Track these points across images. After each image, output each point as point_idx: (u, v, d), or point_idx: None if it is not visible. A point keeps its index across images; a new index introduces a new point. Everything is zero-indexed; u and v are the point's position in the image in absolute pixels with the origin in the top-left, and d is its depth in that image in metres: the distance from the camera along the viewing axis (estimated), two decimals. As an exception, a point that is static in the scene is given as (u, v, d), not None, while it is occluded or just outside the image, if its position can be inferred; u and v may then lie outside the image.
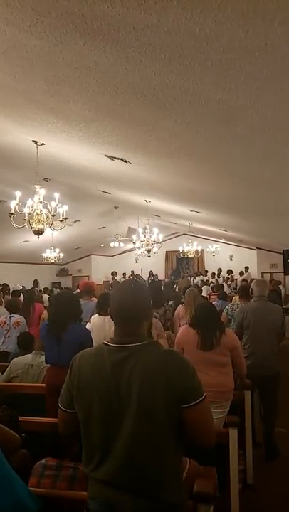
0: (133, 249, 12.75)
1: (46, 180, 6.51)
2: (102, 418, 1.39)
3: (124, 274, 16.42)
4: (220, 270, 15.57)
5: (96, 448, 1.40)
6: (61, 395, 1.54)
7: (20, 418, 2.28)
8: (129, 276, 16.25)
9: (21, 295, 7.12)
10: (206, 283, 14.01)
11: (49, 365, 3.27)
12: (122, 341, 1.43)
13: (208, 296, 9.61)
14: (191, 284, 13.06)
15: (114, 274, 16.19)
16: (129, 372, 1.37)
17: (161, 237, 10.17)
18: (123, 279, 15.13)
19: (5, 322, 4.94)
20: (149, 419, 1.34)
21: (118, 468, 1.36)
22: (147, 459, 1.35)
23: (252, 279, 11.83)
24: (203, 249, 15.64)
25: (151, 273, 16.18)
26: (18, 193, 5.04)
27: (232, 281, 14.53)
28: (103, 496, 1.39)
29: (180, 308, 5.02)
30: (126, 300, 1.46)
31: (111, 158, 4.75)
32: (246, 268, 14.77)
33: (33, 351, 3.74)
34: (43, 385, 3.25)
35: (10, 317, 4.98)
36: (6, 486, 1.52)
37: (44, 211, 5.04)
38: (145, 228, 9.63)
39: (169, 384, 1.34)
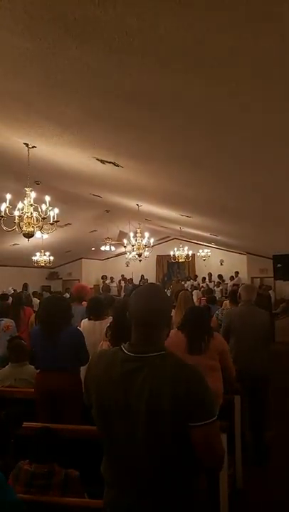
0: (124, 253, 12.74)
1: (37, 183, 6.48)
2: (114, 424, 1.37)
3: (112, 278, 16.36)
4: (210, 275, 15.63)
5: (110, 453, 1.41)
6: (84, 394, 1.55)
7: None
8: (119, 281, 16.23)
9: (9, 298, 7.03)
10: (196, 287, 14.04)
11: (38, 370, 3.23)
12: (138, 350, 1.37)
13: (198, 301, 9.63)
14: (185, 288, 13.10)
15: (104, 277, 16.14)
16: (140, 383, 1.32)
17: (152, 241, 10.18)
18: (111, 283, 15.10)
19: (-6, 326, 4.88)
20: (157, 432, 1.30)
21: (132, 479, 1.35)
22: (156, 469, 1.32)
23: (242, 284, 11.90)
24: (194, 254, 15.69)
25: (142, 277, 16.17)
26: (8, 196, 4.99)
27: (223, 286, 14.59)
28: (116, 503, 1.38)
29: (172, 312, 5.02)
30: (147, 305, 1.39)
31: (102, 161, 4.75)
32: (236, 273, 14.85)
33: (14, 364, 3.61)
34: (32, 390, 3.22)
35: (0, 321, 4.92)
36: None
37: (35, 214, 5.01)
38: (136, 232, 9.63)
39: (177, 398, 1.28)
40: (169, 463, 1.33)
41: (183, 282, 14.92)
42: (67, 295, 8.42)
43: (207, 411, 1.32)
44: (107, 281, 15.55)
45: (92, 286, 14.74)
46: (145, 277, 16.10)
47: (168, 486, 1.34)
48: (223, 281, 15.00)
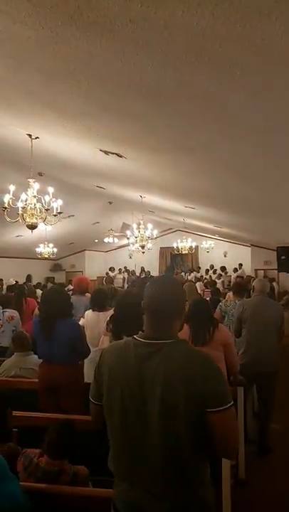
0: (127, 245, 12.73)
1: (40, 174, 6.46)
2: (126, 413, 1.37)
3: (120, 269, 16.35)
4: (212, 266, 15.61)
5: (120, 445, 1.40)
6: (91, 387, 1.54)
7: (14, 413, 2.27)
8: (122, 272, 16.25)
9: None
10: (199, 279, 14.04)
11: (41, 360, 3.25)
12: (151, 337, 1.40)
13: (202, 293, 9.63)
14: (186, 280, 13.09)
15: (112, 269, 16.09)
16: (154, 368, 1.33)
17: (155, 233, 10.16)
18: (115, 274, 15.10)
19: (-2, 317, 4.90)
20: (171, 418, 1.30)
21: (141, 468, 1.34)
22: (169, 459, 1.32)
23: (247, 276, 11.89)
24: (198, 246, 15.65)
25: (142, 269, 16.16)
26: (11, 187, 4.99)
27: (225, 278, 14.57)
28: (130, 498, 1.37)
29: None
30: (159, 295, 1.43)
31: (106, 152, 4.72)
32: (240, 265, 14.81)
33: (19, 353, 3.63)
34: (35, 380, 3.24)
35: (3, 312, 4.94)
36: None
37: (38, 205, 5.00)
38: (139, 224, 9.61)
39: (192, 385, 1.30)
40: (182, 451, 1.32)
41: (187, 274, 14.93)
42: (70, 287, 8.45)
43: (223, 397, 1.32)
44: (115, 273, 15.54)
45: (95, 278, 14.78)
46: (147, 270, 16.10)
47: (179, 476, 1.33)
48: (226, 273, 14.97)
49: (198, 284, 12.00)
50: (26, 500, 1.63)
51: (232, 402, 1.34)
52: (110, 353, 1.47)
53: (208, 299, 5.92)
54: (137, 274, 15.81)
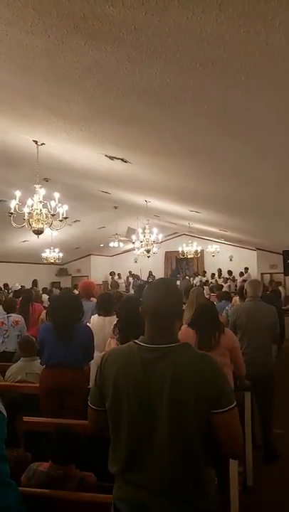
0: (132, 250, 12.73)
1: (46, 180, 6.50)
2: (133, 417, 1.37)
3: (119, 274, 16.33)
4: (220, 271, 15.54)
5: (125, 447, 1.39)
6: (91, 393, 1.54)
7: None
8: (127, 277, 16.25)
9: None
10: (205, 283, 13.99)
11: (44, 366, 3.25)
12: (154, 341, 1.41)
13: (208, 297, 9.59)
14: (192, 284, 13.05)
15: (112, 274, 16.14)
16: (161, 373, 1.35)
17: (160, 237, 10.15)
18: (118, 280, 15.10)
19: (3, 322, 4.92)
20: (179, 420, 1.32)
21: (149, 469, 1.35)
22: (176, 460, 1.33)
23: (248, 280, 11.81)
24: (203, 250, 15.61)
25: (150, 273, 16.16)
26: (18, 193, 5.03)
27: (233, 282, 14.50)
28: (133, 498, 1.37)
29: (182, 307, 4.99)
30: (160, 300, 1.43)
31: (111, 158, 4.74)
32: (246, 269, 14.74)
33: (25, 358, 3.64)
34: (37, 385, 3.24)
35: (8, 317, 4.96)
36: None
37: (44, 211, 5.03)
38: (145, 228, 9.62)
39: (199, 387, 1.32)
40: (189, 454, 1.33)
41: (191, 278, 14.89)
42: (76, 291, 8.47)
43: (227, 398, 1.36)
44: (115, 278, 15.56)
45: (100, 283, 14.80)
46: (153, 273, 16.09)
47: (187, 476, 1.34)
48: (233, 277, 14.90)
49: (205, 289, 11.98)
50: (23, 508, 1.61)
51: (235, 403, 1.37)
52: (114, 358, 1.47)
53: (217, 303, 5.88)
54: (143, 278, 15.79)
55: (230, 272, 15.16)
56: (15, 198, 4.99)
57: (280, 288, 12.07)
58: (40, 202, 5.03)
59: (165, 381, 1.33)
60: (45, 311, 5.49)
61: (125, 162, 4.84)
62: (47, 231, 5.50)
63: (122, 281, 15.41)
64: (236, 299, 5.45)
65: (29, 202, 5.04)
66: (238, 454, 1.45)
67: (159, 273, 16.67)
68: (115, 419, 1.42)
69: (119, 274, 16.24)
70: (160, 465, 1.34)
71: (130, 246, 12.92)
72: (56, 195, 5.13)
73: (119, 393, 1.40)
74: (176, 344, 1.40)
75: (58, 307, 3.29)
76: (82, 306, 3.35)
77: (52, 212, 5.05)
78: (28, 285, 11.44)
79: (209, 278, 15.33)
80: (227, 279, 14.74)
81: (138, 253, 11.07)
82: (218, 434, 1.34)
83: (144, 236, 9.50)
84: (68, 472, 1.92)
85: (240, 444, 1.43)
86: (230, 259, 16.15)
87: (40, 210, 5.01)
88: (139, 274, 16.19)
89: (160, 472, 1.34)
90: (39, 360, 3.51)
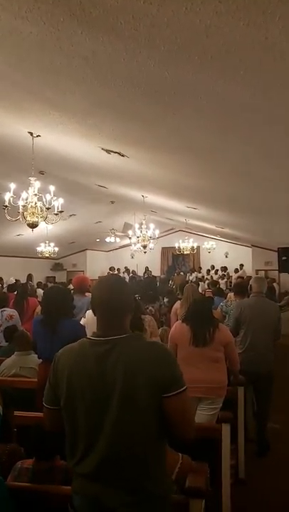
0: (129, 245, 12.73)
1: (42, 173, 6.45)
2: (87, 410, 1.40)
3: (118, 269, 16.33)
4: (213, 267, 15.60)
5: (80, 441, 1.41)
6: (45, 392, 1.54)
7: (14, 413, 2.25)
8: (123, 272, 16.23)
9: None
10: (201, 279, 14.01)
11: (41, 360, 3.24)
12: (105, 334, 1.45)
13: (203, 293, 9.62)
14: (187, 280, 13.08)
15: (112, 269, 16.09)
16: (112, 363, 1.38)
17: (157, 232, 10.15)
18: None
19: (-4, 317, 4.89)
20: (131, 408, 1.36)
21: (101, 460, 1.36)
22: (130, 449, 1.36)
23: (247, 277, 11.89)
24: (199, 246, 15.64)
25: (146, 269, 16.17)
26: (12, 186, 4.98)
27: (228, 278, 14.56)
28: (87, 491, 1.40)
29: (177, 304, 5.00)
30: (107, 293, 1.49)
31: (108, 151, 4.71)
32: (241, 265, 14.80)
33: (19, 352, 3.62)
34: (35, 380, 3.23)
35: (2, 311, 4.93)
36: None
37: (39, 204, 4.99)
38: (141, 224, 9.60)
39: (151, 373, 1.37)
40: (141, 441, 1.36)
41: (188, 274, 14.92)
42: (71, 286, 8.44)
43: (178, 381, 1.41)
44: (115, 273, 15.53)
45: (96, 278, 14.74)
46: (149, 269, 16.08)
47: (142, 465, 1.37)
48: (228, 273, 14.96)
49: (200, 285, 12.01)
50: (10, 504, 1.60)
51: (185, 387, 1.41)
52: (66, 356, 1.49)
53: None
54: (139, 274, 15.79)
55: (224, 268, 15.21)
56: (9, 191, 4.94)
57: (275, 285, 12.13)
58: (35, 195, 4.99)
59: (117, 371, 1.37)
60: (39, 305, 5.47)
61: (122, 156, 4.80)
62: (42, 225, 5.45)
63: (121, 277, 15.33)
64: (231, 295, 5.46)
65: (24, 195, 4.99)
66: (190, 437, 1.46)
67: (156, 269, 16.68)
68: (70, 416, 1.43)
69: (118, 269, 16.21)
70: (112, 454, 1.36)
71: (127, 241, 12.90)
72: (51, 188, 5.09)
73: (73, 390, 1.42)
74: (126, 335, 1.44)
75: (47, 301, 3.27)
76: (72, 300, 3.31)
77: (47, 206, 5.01)
78: (23, 279, 11.40)
79: (205, 274, 15.36)
80: (223, 275, 14.80)
81: (134, 249, 11.07)
82: (169, 418, 1.39)
83: (141, 231, 9.49)
84: (54, 465, 1.91)
85: (190, 427, 1.46)
86: (226, 256, 16.21)
87: (35, 204, 4.96)
88: (136, 270, 16.18)
89: (112, 462, 1.36)
90: (35, 355, 3.50)
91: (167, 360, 1.43)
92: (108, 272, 15.22)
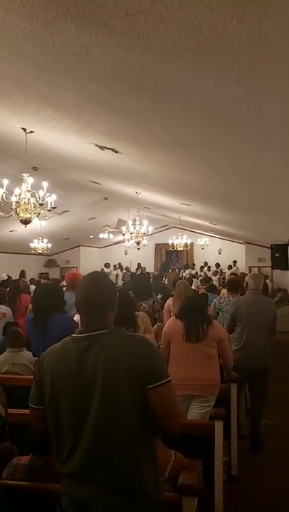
0: (123, 241, 12.70)
1: (35, 169, 6.41)
2: (70, 409, 1.38)
3: (115, 265, 16.31)
4: (206, 263, 15.64)
5: (65, 441, 1.39)
6: (31, 392, 1.52)
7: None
8: (115, 268, 16.22)
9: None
10: (194, 276, 14.04)
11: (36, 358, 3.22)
12: (87, 330, 1.44)
13: (197, 289, 9.64)
14: (181, 276, 13.10)
15: (107, 265, 16.06)
16: (93, 358, 1.37)
17: (150, 229, 10.13)
18: (110, 270, 15.08)
19: (-10, 314, 4.86)
20: (114, 403, 1.33)
21: (86, 459, 1.34)
22: (114, 446, 1.33)
23: (241, 273, 11.94)
24: (193, 243, 15.66)
25: (139, 265, 16.16)
26: (5, 181, 4.94)
27: (220, 275, 14.60)
28: (73, 492, 1.37)
29: (170, 301, 5.00)
30: (90, 290, 1.49)
31: (101, 148, 4.69)
32: (234, 262, 14.85)
33: (11, 349, 3.61)
34: (31, 377, 3.21)
35: (-4, 309, 4.90)
36: None
37: (32, 200, 4.96)
38: (135, 220, 9.59)
39: (132, 365, 1.35)
40: (125, 437, 1.34)
41: (182, 271, 14.96)
42: (64, 283, 8.42)
43: (160, 373, 1.39)
44: (110, 269, 15.50)
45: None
46: (142, 266, 16.08)
47: (130, 464, 1.34)
48: (221, 270, 15.01)
49: (193, 281, 12.04)
50: (4, 503, 1.60)
51: (169, 378, 1.39)
52: (50, 355, 1.48)
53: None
54: (132, 270, 15.79)
55: (217, 265, 15.27)
56: (2, 187, 4.89)
57: (268, 281, 12.19)
58: (28, 191, 4.95)
59: (98, 365, 1.36)
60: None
61: (116, 152, 4.78)
62: (35, 221, 5.42)
63: (114, 273, 15.35)
64: (224, 291, 5.47)
65: (17, 191, 4.95)
66: (176, 429, 1.43)
67: (150, 265, 16.68)
68: (54, 415, 1.41)
69: (115, 266, 16.18)
70: (97, 453, 1.34)
71: (120, 238, 12.88)
72: (45, 184, 5.06)
73: (56, 388, 1.40)
74: (106, 330, 1.43)
75: (38, 297, 3.26)
76: (62, 296, 3.30)
77: (40, 202, 4.98)
78: (16, 276, 11.33)
79: (198, 270, 15.40)
80: (216, 271, 14.85)
81: (128, 245, 11.04)
82: (154, 410, 1.36)
83: (135, 228, 9.47)
84: (50, 461, 1.91)
85: (177, 420, 1.44)
86: (219, 253, 16.25)
87: (28, 200, 4.93)
88: (129, 266, 16.17)
89: (98, 461, 1.34)
90: (28, 352, 3.49)
91: (148, 351, 1.40)
92: (102, 269, 15.21)
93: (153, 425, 1.39)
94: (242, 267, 14.45)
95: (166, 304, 5.14)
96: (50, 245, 11.49)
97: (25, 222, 4.98)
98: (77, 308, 1.51)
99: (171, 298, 5.07)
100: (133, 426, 1.34)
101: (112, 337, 1.42)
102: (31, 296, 6.54)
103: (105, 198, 10.56)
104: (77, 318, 4.04)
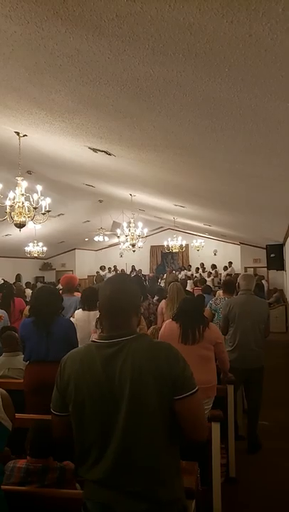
0: (118, 244, 12.70)
1: (29, 172, 6.40)
2: (96, 416, 1.35)
3: (109, 268, 16.31)
4: (202, 265, 15.65)
5: (91, 448, 1.37)
6: (53, 399, 1.50)
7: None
8: (110, 270, 16.21)
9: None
10: (189, 277, 14.05)
11: (27, 362, 3.20)
12: (111, 336, 1.41)
13: (192, 291, 9.64)
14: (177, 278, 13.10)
15: (103, 268, 16.05)
16: (120, 366, 1.34)
17: (145, 231, 10.13)
18: (105, 273, 15.06)
19: (-15, 318, 4.84)
20: (141, 411, 1.31)
21: (112, 467, 1.32)
22: (142, 453, 1.32)
23: (236, 274, 11.96)
24: (188, 244, 15.68)
25: (133, 267, 16.16)
26: (-1, 185, 4.92)
27: (216, 276, 14.62)
28: (99, 497, 1.36)
29: (163, 303, 4.98)
30: (115, 293, 1.45)
31: (94, 150, 4.68)
32: (230, 263, 14.88)
33: (7, 353, 3.59)
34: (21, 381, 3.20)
35: (-8, 313, 4.89)
36: None
37: (26, 204, 4.95)
38: (130, 222, 9.58)
39: (160, 375, 1.33)
40: (152, 445, 1.32)
41: (177, 272, 14.96)
42: (60, 286, 8.39)
43: (188, 383, 1.36)
44: (105, 272, 15.49)
45: (86, 277, 14.69)
46: (138, 268, 16.08)
47: (156, 471, 1.33)
48: (216, 271, 15.02)
49: (188, 282, 12.04)
50: (4, 506, 1.58)
51: (197, 387, 1.37)
52: (72, 361, 1.45)
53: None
54: (127, 272, 15.79)
55: (213, 266, 15.29)
56: (-4, 191, 4.88)
57: (263, 282, 12.23)
58: (22, 195, 4.94)
59: (125, 374, 1.33)
60: (28, 306, 5.42)
61: (109, 155, 4.78)
62: (30, 225, 5.41)
63: (110, 276, 15.31)
64: (220, 292, 5.48)
65: (11, 195, 4.94)
66: (203, 438, 1.44)
67: (145, 267, 16.69)
68: (79, 422, 1.39)
69: (110, 268, 16.17)
70: (124, 461, 1.32)
71: (115, 240, 12.88)
72: (39, 187, 5.05)
73: (81, 394, 1.38)
74: (133, 336, 1.40)
75: (39, 301, 3.25)
76: (62, 300, 3.31)
77: (34, 206, 4.96)
78: (12, 280, 11.28)
79: (194, 272, 15.40)
80: (210, 273, 14.87)
81: (123, 247, 11.04)
82: (182, 419, 1.35)
83: (130, 230, 9.47)
84: (47, 464, 1.91)
85: (204, 428, 1.43)
86: (215, 254, 16.29)
87: (23, 203, 4.92)
88: (125, 269, 16.17)
89: (124, 468, 1.32)
90: (22, 356, 3.47)
91: (176, 360, 1.37)
92: (97, 272, 15.21)
93: (178, 434, 1.37)
94: (237, 267, 14.49)
95: (159, 306, 5.12)
96: (45, 249, 11.47)
97: (20, 226, 4.97)
98: (100, 310, 1.47)
99: (164, 300, 5.04)
100: (159, 434, 1.33)
101: (138, 344, 1.39)
102: (27, 299, 6.55)
103: (100, 201, 10.55)
104: (73, 321, 4.03)
